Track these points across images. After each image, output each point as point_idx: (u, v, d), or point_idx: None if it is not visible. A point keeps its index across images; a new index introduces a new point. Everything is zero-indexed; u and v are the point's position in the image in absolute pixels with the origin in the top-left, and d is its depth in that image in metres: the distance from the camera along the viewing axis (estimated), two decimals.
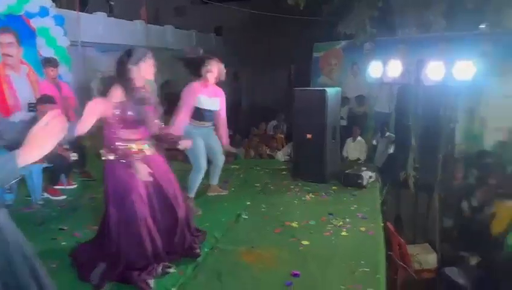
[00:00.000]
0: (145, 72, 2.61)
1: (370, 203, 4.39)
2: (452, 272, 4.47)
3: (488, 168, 5.92)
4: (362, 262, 2.92)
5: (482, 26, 7.52)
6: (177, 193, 2.76)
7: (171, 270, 2.65)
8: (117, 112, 2.49)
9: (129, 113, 2.52)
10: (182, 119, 3.77)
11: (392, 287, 4.03)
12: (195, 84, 3.84)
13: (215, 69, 3.81)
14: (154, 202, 2.63)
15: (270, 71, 11.88)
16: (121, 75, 2.56)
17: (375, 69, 5.78)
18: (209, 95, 3.87)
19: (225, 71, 3.90)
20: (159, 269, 2.57)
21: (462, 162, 6.29)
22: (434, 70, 5.17)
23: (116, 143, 2.53)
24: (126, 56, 2.58)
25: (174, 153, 5.33)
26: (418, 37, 7.35)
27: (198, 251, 2.87)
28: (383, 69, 5.65)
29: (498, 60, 6.68)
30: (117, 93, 2.51)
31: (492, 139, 7.15)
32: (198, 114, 3.86)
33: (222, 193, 4.41)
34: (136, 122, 2.59)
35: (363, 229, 3.59)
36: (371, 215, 3.98)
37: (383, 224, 3.96)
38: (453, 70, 5.04)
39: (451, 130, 6.37)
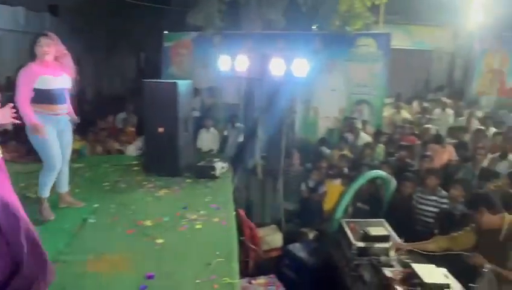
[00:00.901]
0: None
1: (223, 193, 4.56)
2: (294, 247, 5.01)
3: (321, 153, 6.81)
4: (217, 253, 3.03)
5: (314, 27, 8.55)
6: None
7: None
8: None
9: None
10: (25, 103, 3.24)
11: (245, 270, 4.31)
12: (32, 65, 3.33)
13: (49, 47, 3.35)
14: None
15: (117, 58, 11.11)
16: None
17: (224, 63, 5.97)
18: (54, 74, 3.39)
19: (64, 48, 3.48)
20: None
21: (300, 148, 7.06)
22: (276, 66, 5.63)
23: None
24: None
25: (13, 155, 4.54)
26: (262, 34, 7.88)
27: None
28: (232, 63, 5.87)
29: (326, 58, 7.77)
30: None
31: (324, 126, 8.29)
32: (47, 97, 3.35)
33: (77, 205, 3.86)
34: None
35: (216, 219, 3.71)
36: (224, 205, 4.15)
37: (235, 212, 4.18)
38: (291, 67, 5.57)
39: (292, 120, 7.09)
